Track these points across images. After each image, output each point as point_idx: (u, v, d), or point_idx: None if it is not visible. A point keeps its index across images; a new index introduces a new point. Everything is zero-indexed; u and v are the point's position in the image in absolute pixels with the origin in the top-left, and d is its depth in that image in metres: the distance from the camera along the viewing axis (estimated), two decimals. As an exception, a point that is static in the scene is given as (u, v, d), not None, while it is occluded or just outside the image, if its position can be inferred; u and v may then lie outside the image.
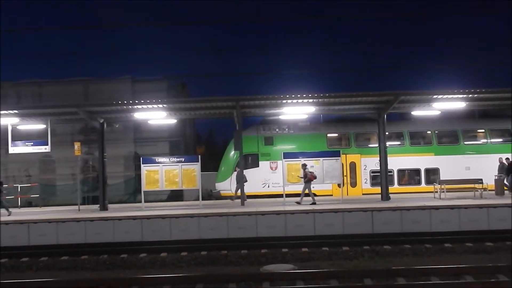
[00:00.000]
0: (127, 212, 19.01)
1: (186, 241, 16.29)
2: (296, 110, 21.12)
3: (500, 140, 26.87)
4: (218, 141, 57.26)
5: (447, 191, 21.26)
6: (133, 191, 32.21)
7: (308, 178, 20.38)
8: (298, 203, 19.72)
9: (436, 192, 21.57)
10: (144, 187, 20.98)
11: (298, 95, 19.00)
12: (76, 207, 21.87)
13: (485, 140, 26.91)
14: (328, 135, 26.90)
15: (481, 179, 21.20)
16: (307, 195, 20.29)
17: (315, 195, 20.60)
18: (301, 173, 20.58)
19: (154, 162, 21.15)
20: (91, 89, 34.82)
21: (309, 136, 26.57)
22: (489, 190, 21.33)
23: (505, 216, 17.36)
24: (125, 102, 19.73)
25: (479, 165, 25.13)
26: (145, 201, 21.44)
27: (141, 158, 22.03)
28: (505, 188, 22.66)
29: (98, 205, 21.23)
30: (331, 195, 24.83)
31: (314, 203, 19.48)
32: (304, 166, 20.60)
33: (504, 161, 23.20)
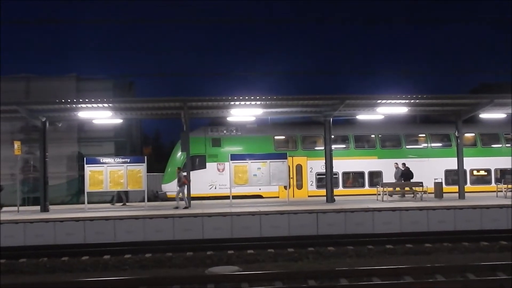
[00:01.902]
0: (69, 214, 18.50)
1: (131, 243, 16.03)
2: (244, 112, 21.18)
3: (440, 144, 27.88)
4: (165, 142, 56.57)
5: (389, 194, 21.85)
6: (76, 192, 31.38)
7: (182, 181, 20.44)
8: (176, 207, 19.76)
9: (379, 194, 22.12)
10: (88, 188, 20.49)
11: (246, 97, 19.05)
12: (15, 208, 21.10)
13: (425, 145, 27.85)
14: (275, 137, 27.10)
15: (422, 182, 21.91)
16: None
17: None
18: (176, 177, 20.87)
19: (99, 162, 20.70)
20: (33, 86, 33.62)
21: (257, 138, 26.68)
22: (429, 193, 22.08)
23: (444, 218, 18.03)
24: (69, 100, 19.20)
25: (420, 168, 25.93)
26: (89, 203, 20.93)
27: (85, 158, 21.49)
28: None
29: (39, 206, 20.54)
30: (278, 197, 25.02)
31: (187, 207, 19.68)
32: (179, 169, 20.81)
33: (400, 166, 23.90)
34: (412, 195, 22.34)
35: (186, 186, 20.45)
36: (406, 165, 23.63)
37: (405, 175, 23.21)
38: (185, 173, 20.64)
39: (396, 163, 24.21)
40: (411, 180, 23.01)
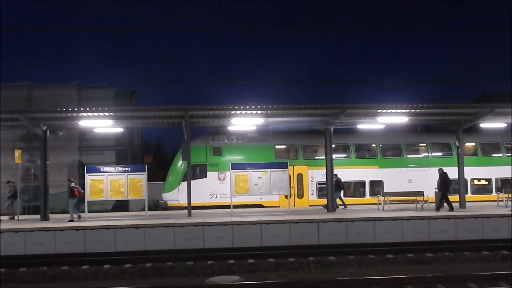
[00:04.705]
0: (69, 223, 18.49)
1: (131, 253, 15.99)
2: (245, 121, 21.20)
3: (441, 154, 27.88)
4: (166, 150, 56.58)
5: (390, 203, 21.81)
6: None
7: (73, 193, 19.99)
8: (72, 220, 19.33)
9: (380, 204, 22.09)
10: (88, 197, 20.45)
11: (247, 107, 19.08)
12: (15, 217, 21.07)
13: (426, 154, 27.84)
14: (276, 146, 27.12)
15: (422, 192, 21.88)
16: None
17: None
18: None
19: (99, 171, 20.65)
20: (35, 94, 33.75)
21: (258, 147, 26.70)
22: (430, 203, 22.04)
23: (444, 227, 17.99)
24: (70, 109, 19.23)
25: (420, 178, 25.94)
26: (89, 211, 20.89)
27: (85, 166, 21.49)
28: (339, 202, 23.33)
29: (39, 215, 20.51)
30: (279, 206, 24.97)
31: (71, 220, 19.22)
32: (69, 181, 20.22)
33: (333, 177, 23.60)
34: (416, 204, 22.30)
35: (77, 198, 20.08)
36: (338, 176, 23.42)
37: (335, 185, 22.93)
38: (74, 184, 20.25)
39: (336, 174, 24.01)
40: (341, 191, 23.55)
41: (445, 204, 20.82)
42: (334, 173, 23.15)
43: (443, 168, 21.97)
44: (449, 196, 21.12)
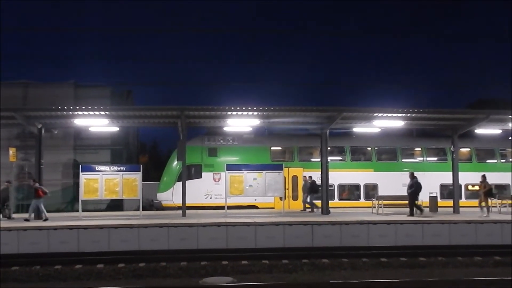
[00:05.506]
0: (63, 222, 18.41)
1: (125, 252, 15.95)
2: (241, 122, 21.22)
3: (436, 158, 27.95)
4: (162, 150, 56.51)
5: (384, 207, 21.83)
6: (71, 199, 31.30)
7: (38, 193, 19.76)
8: (27, 220, 19.05)
9: (374, 207, 22.11)
10: (83, 196, 20.38)
11: (243, 108, 19.10)
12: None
13: (421, 158, 27.91)
14: (272, 148, 27.12)
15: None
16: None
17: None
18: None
19: (94, 170, 20.56)
20: (30, 93, 33.68)
21: (253, 149, 26.70)
22: (424, 207, 22.09)
23: (439, 231, 18.02)
24: (65, 108, 19.19)
25: (415, 182, 25.98)
26: (83, 211, 20.84)
27: (80, 165, 21.43)
28: (307, 206, 23.17)
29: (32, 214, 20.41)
30: (273, 207, 24.98)
31: (46, 219, 19.01)
32: (34, 181, 20.19)
33: (308, 180, 23.59)
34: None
35: (42, 199, 19.76)
36: (313, 179, 23.25)
37: (311, 188, 22.97)
38: (38, 185, 19.95)
39: (305, 176, 23.97)
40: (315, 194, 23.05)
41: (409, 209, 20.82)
42: (310, 175, 23.18)
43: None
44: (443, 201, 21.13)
